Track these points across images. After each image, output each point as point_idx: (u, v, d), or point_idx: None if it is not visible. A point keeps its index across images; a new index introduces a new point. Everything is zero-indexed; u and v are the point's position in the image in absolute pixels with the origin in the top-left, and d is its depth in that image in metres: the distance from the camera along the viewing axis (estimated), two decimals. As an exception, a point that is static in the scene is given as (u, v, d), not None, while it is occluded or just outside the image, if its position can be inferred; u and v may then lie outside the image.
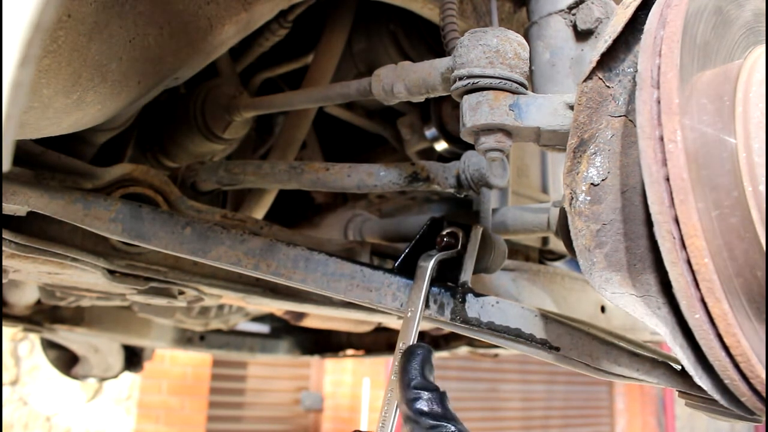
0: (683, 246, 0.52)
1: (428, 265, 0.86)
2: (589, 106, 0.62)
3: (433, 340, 2.13)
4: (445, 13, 0.85)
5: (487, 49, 0.72)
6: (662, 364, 0.77)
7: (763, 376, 0.52)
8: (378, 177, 1.03)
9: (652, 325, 0.58)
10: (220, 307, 1.96)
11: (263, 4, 0.95)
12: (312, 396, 5.48)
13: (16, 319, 1.91)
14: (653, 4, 0.60)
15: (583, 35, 0.79)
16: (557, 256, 1.55)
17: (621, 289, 0.60)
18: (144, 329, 2.11)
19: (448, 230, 0.92)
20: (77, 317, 1.98)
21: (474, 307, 0.84)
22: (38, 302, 1.82)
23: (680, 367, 0.75)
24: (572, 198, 0.63)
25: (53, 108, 0.73)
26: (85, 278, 1.13)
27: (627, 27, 0.61)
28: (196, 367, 4.56)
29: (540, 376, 6.99)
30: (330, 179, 1.05)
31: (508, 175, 1.08)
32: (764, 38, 0.65)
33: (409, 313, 0.81)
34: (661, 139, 0.53)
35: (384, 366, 5.51)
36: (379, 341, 2.32)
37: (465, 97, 0.73)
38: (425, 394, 0.62)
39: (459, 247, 0.90)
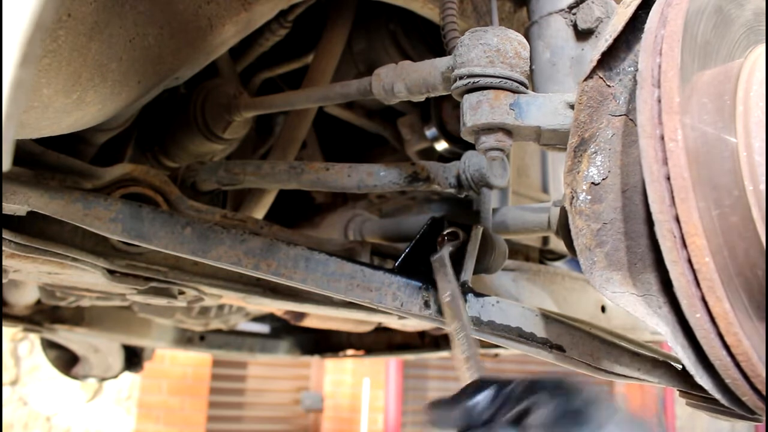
0: (684, 245, 0.51)
1: (443, 253, 0.85)
2: (590, 105, 0.62)
3: (433, 340, 2.13)
4: (446, 12, 0.85)
5: (487, 48, 0.72)
6: (663, 364, 0.77)
7: (764, 375, 0.52)
8: (378, 177, 1.03)
9: (652, 324, 0.58)
10: (220, 307, 1.95)
11: (263, 4, 0.95)
12: (312, 396, 5.48)
13: (16, 319, 1.91)
14: (654, 3, 0.60)
15: (583, 34, 0.79)
16: (557, 256, 1.55)
17: (621, 289, 0.60)
18: (144, 329, 2.11)
19: (448, 230, 0.92)
20: (77, 317, 1.97)
21: (474, 306, 0.84)
22: (38, 302, 1.81)
23: (681, 367, 0.75)
24: (573, 197, 0.63)
25: (53, 108, 0.73)
26: (85, 278, 1.13)
27: (627, 26, 0.61)
28: (196, 367, 4.56)
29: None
30: (330, 179, 1.05)
31: (509, 175, 1.07)
32: (764, 37, 0.65)
33: (448, 298, 0.80)
34: (662, 138, 0.53)
35: (384, 366, 5.51)
36: (380, 341, 2.32)
37: (465, 96, 0.73)
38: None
39: (460, 240, 0.91)
